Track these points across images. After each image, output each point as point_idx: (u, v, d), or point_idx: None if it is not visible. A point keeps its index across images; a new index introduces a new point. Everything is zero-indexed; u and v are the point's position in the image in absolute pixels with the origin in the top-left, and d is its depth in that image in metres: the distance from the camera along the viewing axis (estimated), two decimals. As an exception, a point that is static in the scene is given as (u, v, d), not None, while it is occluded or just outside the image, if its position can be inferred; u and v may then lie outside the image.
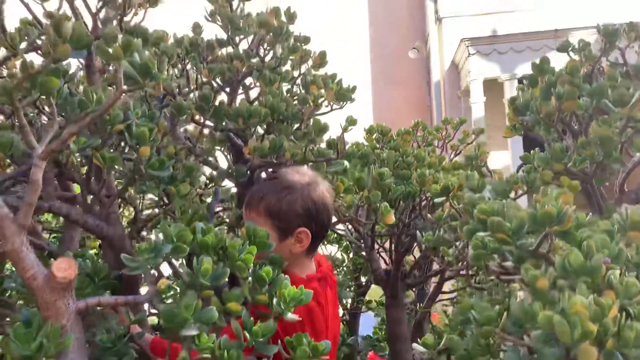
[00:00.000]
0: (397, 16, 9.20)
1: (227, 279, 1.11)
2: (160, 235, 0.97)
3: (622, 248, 0.93)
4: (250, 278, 1.08)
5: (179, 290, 1.03)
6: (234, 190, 1.98)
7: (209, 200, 2.02)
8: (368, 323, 3.45)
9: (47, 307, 0.94)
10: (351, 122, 1.46)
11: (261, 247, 1.10)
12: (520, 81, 6.83)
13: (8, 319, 1.14)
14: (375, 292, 3.70)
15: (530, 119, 1.43)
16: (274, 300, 1.05)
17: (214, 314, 0.95)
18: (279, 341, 1.07)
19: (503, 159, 7.19)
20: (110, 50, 0.94)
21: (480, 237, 1.07)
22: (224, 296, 1.01)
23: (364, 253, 2.64)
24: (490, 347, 1.07)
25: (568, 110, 1.35)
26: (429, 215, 1.76)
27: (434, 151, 2.67)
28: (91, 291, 1.19)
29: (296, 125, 1.48)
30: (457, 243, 1.59)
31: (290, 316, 1.05)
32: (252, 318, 1.02)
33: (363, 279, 3.09)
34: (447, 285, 2.81)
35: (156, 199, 1.84)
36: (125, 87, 0.94)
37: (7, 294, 1.20)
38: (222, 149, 2.01)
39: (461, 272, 2.43)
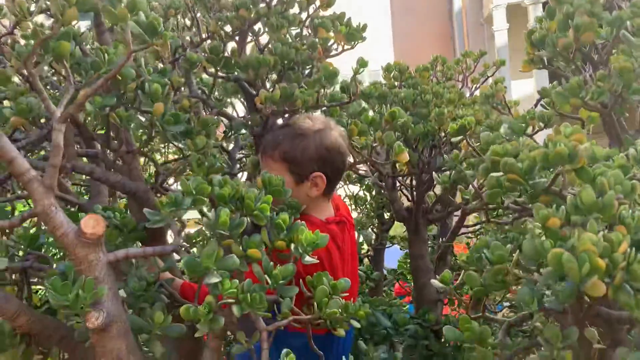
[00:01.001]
0: (414, -58, 8.79)
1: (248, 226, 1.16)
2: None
3: (636, 183, 0.93)
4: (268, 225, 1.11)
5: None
6: (253, 136, 2.01)
7: (231, 146, 2.05)
8: (393, 257, 3.53)
9: (80, 262, 1.00)
10: (362, 64, 1.44)
11: (276, 194, 1.13)
12: (544, 5, 6.49)
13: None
14: (399, 228, 3.76)
15: (548, 52, 1.40)
16: (292, 245, 1.09)
17: (235, 261, 1.00)
18: (301, 280, 1.13)
19: (527, 87, 7.00)
20: (116, 11, 0.94)
21: (494, 176, 1.08)
22: (244, 243, 1.06)
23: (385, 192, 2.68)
24: (505, 282, 1.10)
25: (586, 42, 1.31)
26: (444, 156, 1.75)
27: (453, 86, 2.62)
28: (120, 243, 1.26)
29: (307, 71, 1.47)
30: (475, 181, 1.60)
31: (308, 259, 1.10)
32: (272, 263, 1.07)
33: (386, 216, 3.13)
34: (471, 218, 2.85)
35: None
36: (133, 47, 0.95)
37: (43, 250, 1.27)
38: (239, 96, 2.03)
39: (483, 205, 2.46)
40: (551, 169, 1.00)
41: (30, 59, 0.98)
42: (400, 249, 3.62)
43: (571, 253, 0.81)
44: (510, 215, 1.55)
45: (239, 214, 1.05)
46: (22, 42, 1.26)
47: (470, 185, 1.55)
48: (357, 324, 1.18)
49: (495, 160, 1.02)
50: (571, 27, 1.32)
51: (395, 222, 3.35)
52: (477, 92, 2.90)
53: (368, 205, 3.19)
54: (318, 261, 1.11)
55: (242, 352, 1.12)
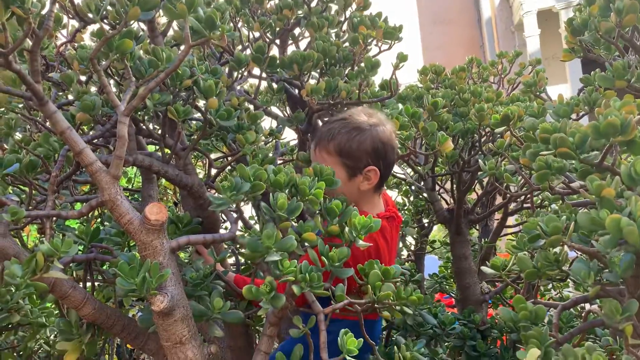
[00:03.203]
0: (440, -47, 8.84)
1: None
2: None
3: (690, 152, 0.92)
4: (321, 211, 1.14)
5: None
6: (292, 142, 2.06)
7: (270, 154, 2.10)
8: (432, 265, 3.51)
9: (144, 247, 1.05)
10: (402, 58, 1.47)
11: (328, 183, 1.17)
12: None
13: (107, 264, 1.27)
14: (439, 233, 3.74)
15: (589, 38, 1.40)
16: (346, 229, 1.11)
17: (293, 242, 1.03)
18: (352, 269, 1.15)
19: (562, 92, 6.86)
20: (175, 8, 1.00)
21: (543, 158, 1.09)
22: (299, 228, 1.09)
23: (424, 195, 2.68)
24: (559, 261, 1.10)
25: (629, 24, 1.31)
26: (490, 144, 1.76)
27: (490, 87, 2.63)
28: (177, 236, 1.31)
29: (348, 67, 1.51)
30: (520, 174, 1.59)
31: (362, 243, 1.12)
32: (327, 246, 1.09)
33: (425, 221, 3.13)
34: (512, 220, 2.82)
35: (220, 154, 1.95)
36: (192, 41, 1.00)
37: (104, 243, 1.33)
38: (278, 104, 2.08)
39: (524, 205, 2.44)
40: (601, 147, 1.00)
41: (95, 57, 1.05)
42: (439, 259, 3.59)
43: (629, 219, 0.82)
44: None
45: (294, 199, 1.08)
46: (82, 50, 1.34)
47: (518, 174, 1.55)
48: (410, 311, 1.20)
49: (545, 137, 1.02)
50: (613, 11, 1.33)
51: (435, 227, 3.34)
52: (515, 92, 2.89)
53: (406, 211, 3.19)
54: (371, 244, 1.13)
55: (298, 336, 1.15)
